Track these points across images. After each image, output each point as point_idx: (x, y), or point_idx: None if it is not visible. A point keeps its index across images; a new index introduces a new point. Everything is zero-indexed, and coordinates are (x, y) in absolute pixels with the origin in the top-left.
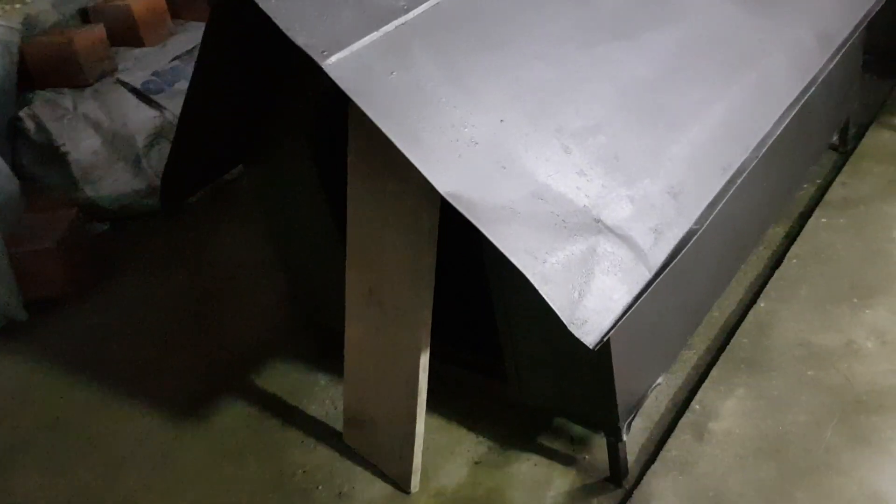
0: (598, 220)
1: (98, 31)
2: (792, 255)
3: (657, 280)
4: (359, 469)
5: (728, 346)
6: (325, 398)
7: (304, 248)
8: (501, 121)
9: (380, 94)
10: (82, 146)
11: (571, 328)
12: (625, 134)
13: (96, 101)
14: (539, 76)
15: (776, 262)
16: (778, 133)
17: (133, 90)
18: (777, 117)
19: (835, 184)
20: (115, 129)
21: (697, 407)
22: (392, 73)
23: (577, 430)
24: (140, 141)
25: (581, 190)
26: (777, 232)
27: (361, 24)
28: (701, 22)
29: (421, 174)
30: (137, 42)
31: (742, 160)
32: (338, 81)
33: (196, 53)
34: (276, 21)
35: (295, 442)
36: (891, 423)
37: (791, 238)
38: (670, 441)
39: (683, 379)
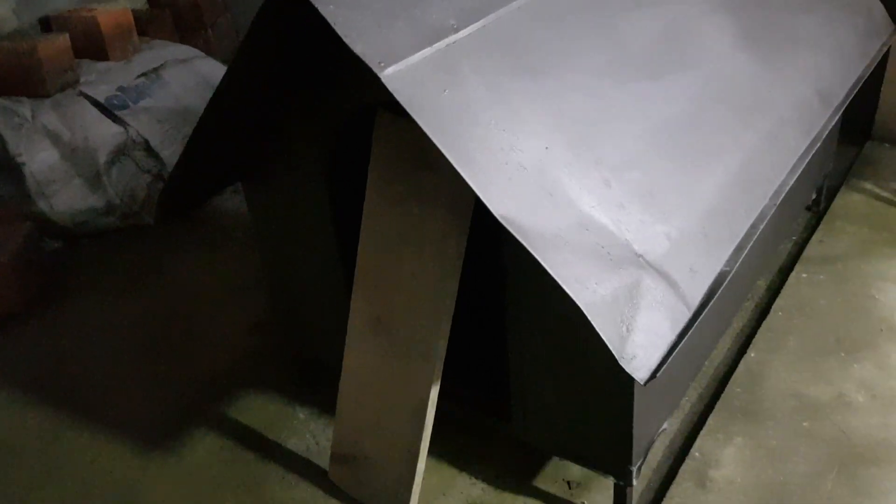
0: (639, 255)
1: (62, 40)
2: (777, 307)
3: (697, 319)
4: None
5: (722, 395)
6: (305, 432)
7: (298, 271)
8: (546, 148)
9: (434, 111)
10: (39, 158)
11: (622, 363)
12: (657, 171)
13: (56, 113)
14: (578, 107)
15: (761, 313)
16: (791, 184)
17: (96, 104)
18: (789, 169)
19: (812, 241)
20: (75, 143)
21: (697, 454)
22: (445, 90)
23: (576, 472)
24: (101, 157)
25: (622, 223)
26: (759, 285)
27: (415, 39)
28: (716, 69)
29: (451, 198)
30: (102, 56)
31: (762, 207)
32: (394, 93)
33: (162, 72)
34: (335, 26)
35: (275, 478)
36: (889, 476)
37: (774, 291)
38: (673, 488)
39: (678, 426)
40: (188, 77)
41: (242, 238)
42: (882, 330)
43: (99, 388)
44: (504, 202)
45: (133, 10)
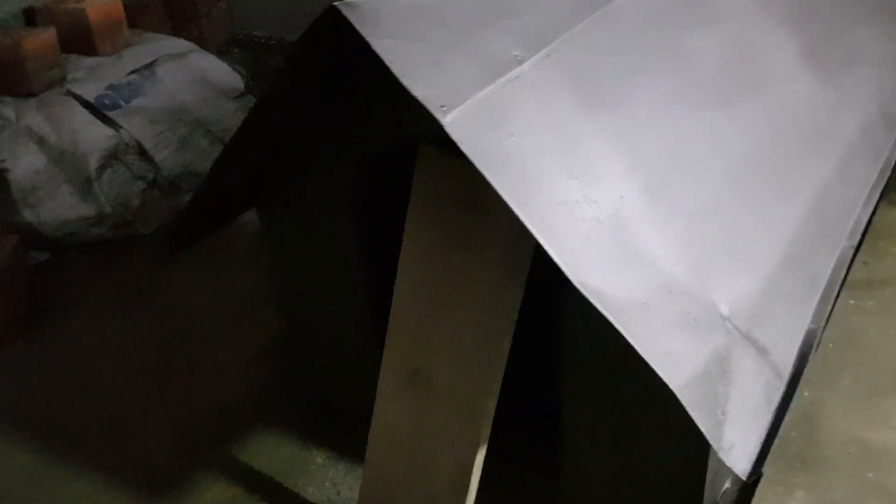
0: (726, 319)
1: (49, 35)
2: (827, 339)
3: (794, 391)
4: None
5: (777, 440)
6: (324, 480)
7: (318, 305)
8: (622, 196)
9: (500, 160)
10: (23, 163)
11: (721, 455)
12: (736, 217)
13: (42, 114)
14: (651, 145)
15: None
16: (866, 220)
17: (85, 104)
18: (862, 202)
19: (856, 263)
20: (62, 147)
21: None
22: (511, 135)
23: None
24: (92, 162)
25: (707, 282)
26: None
27: (477, 75)
28: (784, 91)
29: (507, 245)
30: (90, 50)
31: (840, 249)
32: (458, 143)
33: (155, 68)
34: (392, 66)
35: None
36: None
37: None
38: None
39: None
40: (183, 73)
41: (243, 251)
42: None
43: (93, 422)
44: (582, 266)
45: (123, 1)
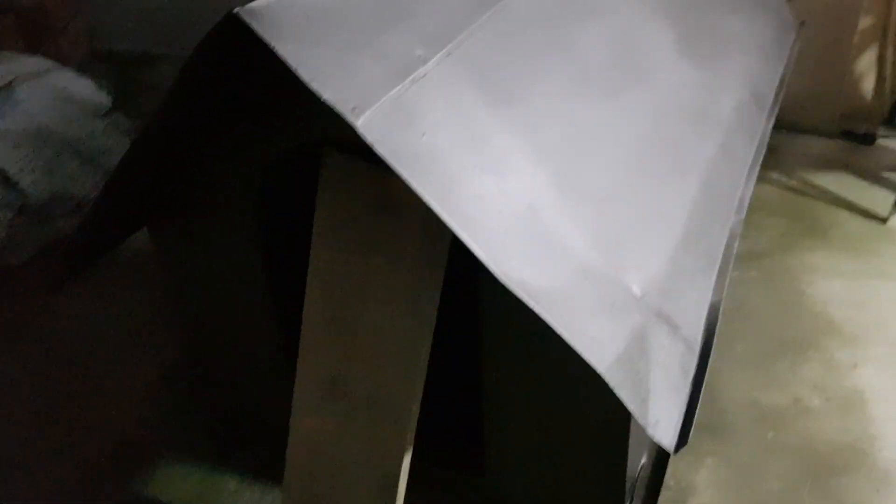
0: (640, 298)
1: None
2: None
3: (706, 363)
4: None
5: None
6: None
7: (222, 323)
8: (532, 188)
9: (415, 159)
10: None
11: (648, 430)
12: (637, 199)
13: None
14: (553, 137)
15: None
16: (749, 195)
17: None
18: (744, 179)
19: None
20: None
21: (672, 483)
22: (423, 134)
23: None
24: None
25: (618, 265)
26: None
27: (384, 76)
28: (666, 79)
29: (422, 246)
30: None
31: (731, 224)
32: (374, 145)
33: (13, 89)
34: (300, 73)
35: None
36: (860, 484)
37: None
38: None
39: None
40: (44, 93)
41: (124, 274)
42: (821, 326)
43: None
44: (503, 258)
45: None
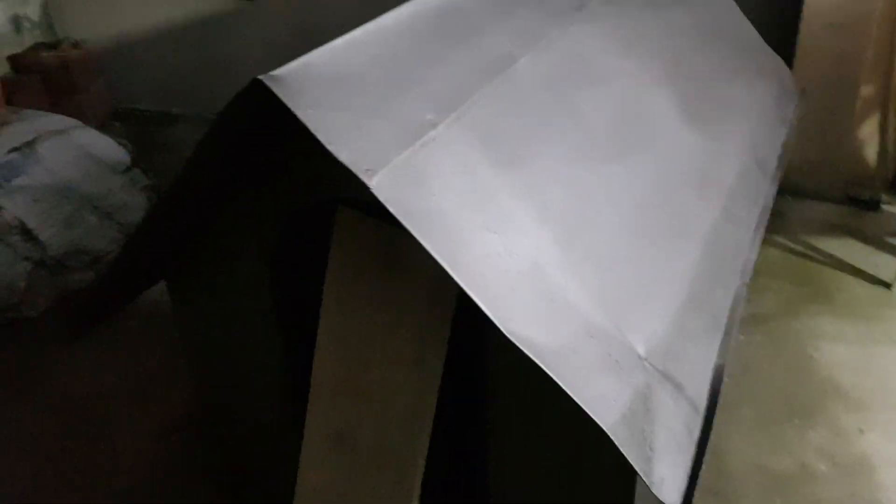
0: (644, 358)
1: None
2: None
3: (711, 424)
4: None
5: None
6: None
7: (233, 377)
8: (537, 248)
9: (425, 218)
10: None
11: (653, 489)
12: (641, 261)
13: None
14: (558, 198)
15: None
16: (754, 259)
17: None
18: (747, 242)
19: None
20: None
21: None
22: (432, 194)
23: None
24: None
25: (622, 324)
26: None
27: (396, 139)
28: (668, 144)
29: (428, 303)
30: None
31: (735, 287)
32: (386, 204)
33: (36, 146)
34: (318, 135)
35: None
36: None
37: None
38: None
39: None
40: (65, 150)
41: (137, 329)
42: (827, 391)
43: None
44: (510, 316)
45: None
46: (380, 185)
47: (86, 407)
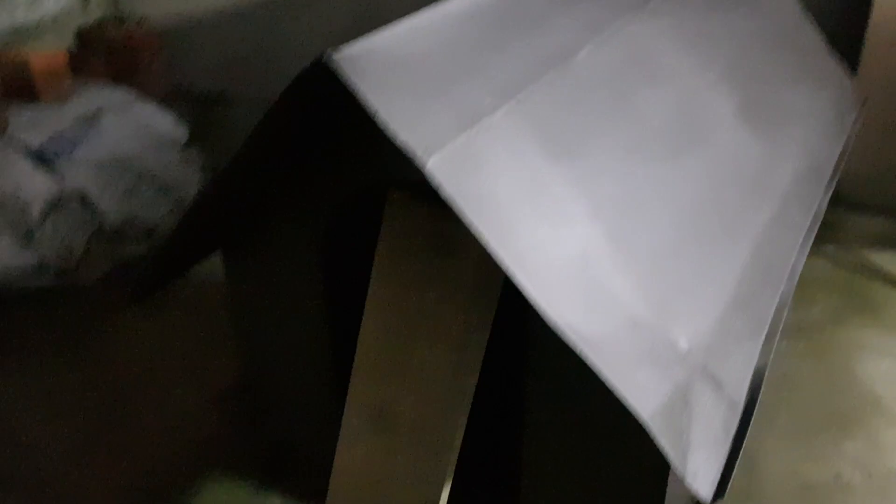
0: (685, 355)
1: None
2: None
3: (748, 424)
4: None
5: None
6: None
7: (281, 351)
8: (587, 239)
9: (477, 203)
10: None
11: (687, 481)
12: (689, 260)
13: None
14: (610, 192)
15: None
16: (802, 264)
17: (28, 153)
18: (797, 248)
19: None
20: (3, 196)
21: None
22: (486, 180)
23: None
24: (34, 211)
25: (666, 319)
26: None
27: (453, 123)
28: (724, 145)
29: (474, 288)
30: (32, 98)
31: (781, 291)
32: (440, 187)
33: (98, 119)
34: (378, 116)
35: None
36: None
37: None
38: None
39: None
40: (126, 124)
41: (190, 299)
42: (868, 404)
43: (37, 481)
44: (555, 304)
45: (66, 50)
46: (435, 168)
47: (136, 374)
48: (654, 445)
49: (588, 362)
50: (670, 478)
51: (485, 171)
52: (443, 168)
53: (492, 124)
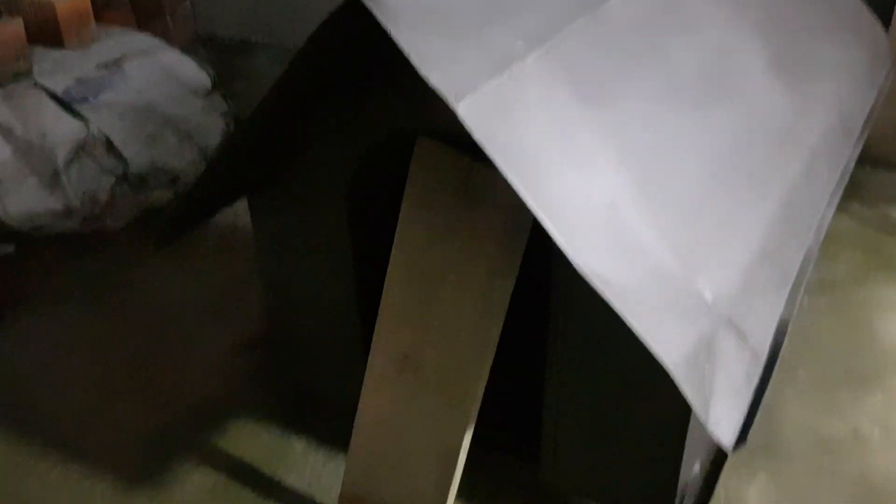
0: (711, 305)
1: (16, 25)
2: None
3: (770, 375)
4: None
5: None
6: (304, 467)
7: (304, 295)
8: (616, 187)
9: (507, 148)
10: None
11: (709, 429)
12: (717, 210)
13: (7, 105)
14: (640, 140)
15: None
16: (829, 220)
17: (53, 97)
18: (825, 203)
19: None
20: (30, 139)
21: (722, 493)
22: (516, 125)
23: None
24: (60, 155)
25: (693, 270)
26: None
27: (485, 66)
28: (755, 97)
29: (502, 236)
30: (56, 42)
31: (807, 245)
32: (471, 130)
33: (123, 64)
34: (410, 57)
35: None
36: None
37: None
38: None
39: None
40: (150, 70)
41: (214, 246)
42: (888, 361)
43: (68, 415)
44: (583, 251)
45: None
46: (466, 111)
47: (162, 319)
48: (677, 393)
49: (615, 309)
50: (690, 424)
51: (515, 116)
52: (474, 112)
53: (523, 70)
